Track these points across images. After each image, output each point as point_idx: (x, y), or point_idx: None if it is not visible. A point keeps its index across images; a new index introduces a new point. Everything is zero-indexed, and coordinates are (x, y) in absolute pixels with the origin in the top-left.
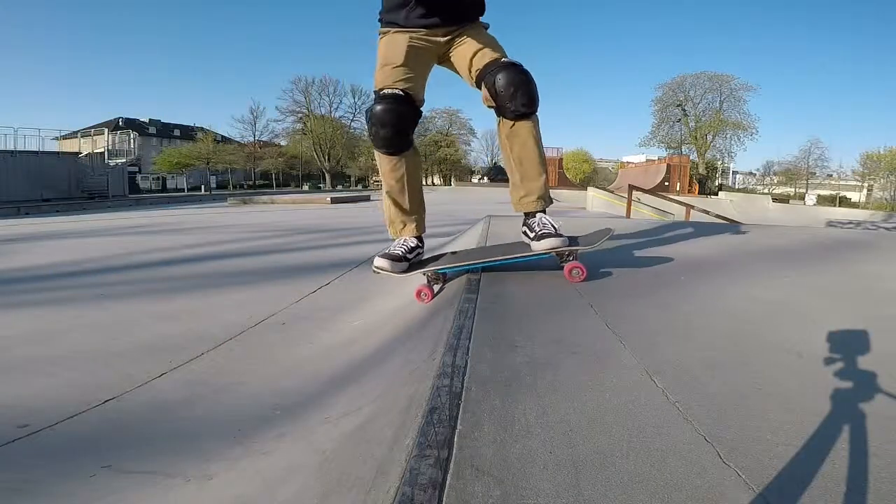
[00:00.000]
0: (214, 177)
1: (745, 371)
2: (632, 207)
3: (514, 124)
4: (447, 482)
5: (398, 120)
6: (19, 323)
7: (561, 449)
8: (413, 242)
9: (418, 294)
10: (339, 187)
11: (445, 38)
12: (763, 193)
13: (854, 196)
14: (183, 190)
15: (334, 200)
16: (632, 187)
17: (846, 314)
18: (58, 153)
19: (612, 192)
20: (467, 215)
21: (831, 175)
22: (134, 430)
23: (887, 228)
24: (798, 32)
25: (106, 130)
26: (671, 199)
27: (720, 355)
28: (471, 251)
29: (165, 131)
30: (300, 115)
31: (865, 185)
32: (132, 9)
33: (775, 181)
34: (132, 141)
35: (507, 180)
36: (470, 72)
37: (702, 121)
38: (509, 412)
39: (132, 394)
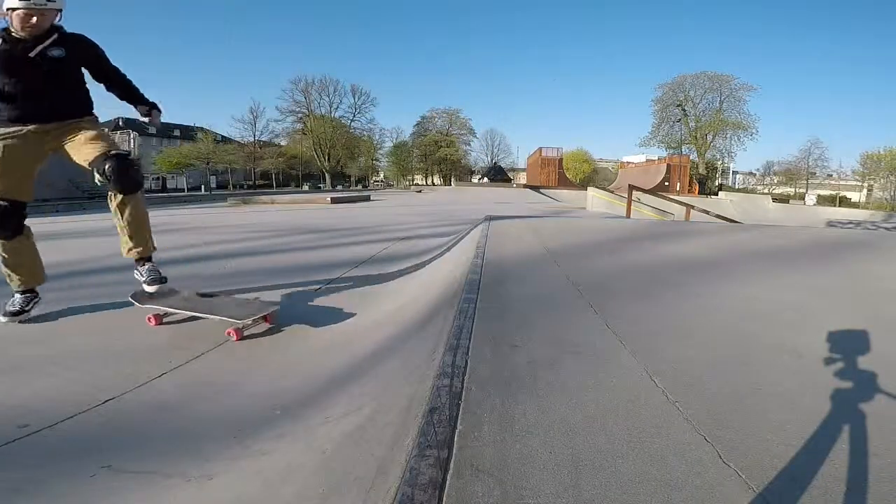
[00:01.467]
0: (214, 177)
1: (745, 371)
2: (632, 207)
3: (122, 197)
4: (447, 482)
5: None
6: (20, 323)
7: (561, 449)
8: (19, 302)
9: (148, 319)
10: (339, 187)
11: (48, 133)
12: (763, 193)
13: (854, 196)
14: (183, 190)
15: (334, 200)
16: (632, 187)
17: (846, 314)
18: None
19: (612, 192)
20: (467, 215)
21: (831, 175)
22: (134, 430)
23: (887, 228)
24: (798, 32)
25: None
26: (671, 199)
27: (720, 355)
28: (184, 298)
29: (165, 131)
30: (300, 115)
31: (865, 185)
32: (131, 8)
33: (775, 181)
34: (132, 141)
35: (506, 180)
36: (84, 162)
37: (702, 121)
38: (509, 412)
39: (132, 394)
